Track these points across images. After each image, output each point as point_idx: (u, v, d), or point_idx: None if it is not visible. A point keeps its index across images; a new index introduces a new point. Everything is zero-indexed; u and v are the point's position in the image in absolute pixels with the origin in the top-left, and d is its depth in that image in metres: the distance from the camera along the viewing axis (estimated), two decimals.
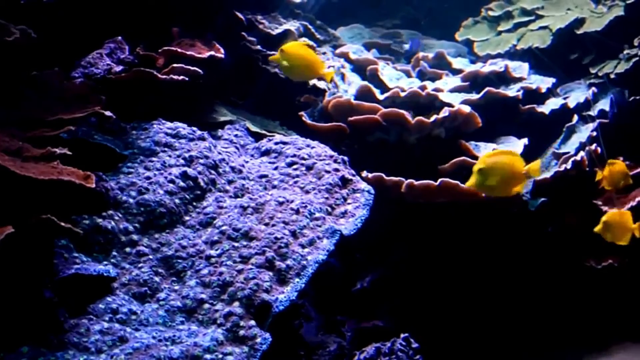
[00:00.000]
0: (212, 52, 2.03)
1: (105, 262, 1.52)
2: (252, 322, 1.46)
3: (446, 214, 2.10)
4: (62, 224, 1.34)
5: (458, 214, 2.10)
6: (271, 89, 2.30)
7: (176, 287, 1.54)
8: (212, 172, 1.78)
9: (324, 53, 2.50)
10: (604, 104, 2.40)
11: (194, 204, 1.70)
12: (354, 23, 3.06)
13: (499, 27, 2.87)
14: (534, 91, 2.41)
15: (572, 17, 2.66)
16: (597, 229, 1.89)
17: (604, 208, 2.06)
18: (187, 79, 1.93)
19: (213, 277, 1.53)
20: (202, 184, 1.73)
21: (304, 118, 2.18)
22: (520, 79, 2.47)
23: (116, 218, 1.59)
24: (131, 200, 1.63)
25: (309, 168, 1.84)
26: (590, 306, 2.13)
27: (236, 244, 1.59)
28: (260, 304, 1.48)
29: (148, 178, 1.68)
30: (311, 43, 2.29)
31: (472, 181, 1.82)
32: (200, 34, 2.12)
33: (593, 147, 2.14)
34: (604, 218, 1.89)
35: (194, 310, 1.49)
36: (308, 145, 1.92)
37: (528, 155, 2.19)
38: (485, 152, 2.15)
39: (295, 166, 1.85)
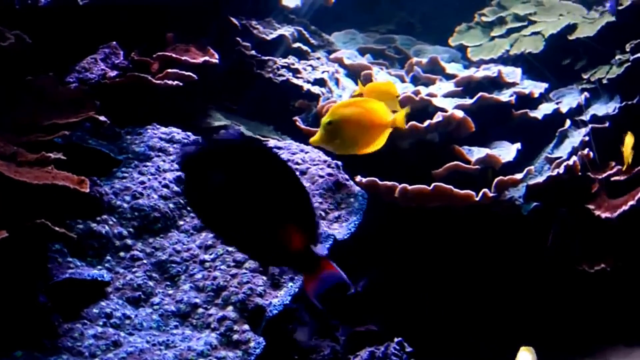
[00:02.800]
0: (207, 58, 2.04)
1: (99, 267, 1.52)
2: (246, 326, 1.46)
3: (440, 219, 2.11)
4: (56, 228, 1.35)
5: (451, 219, 2.11)
6: (265, 94, 2.31)
7: (170, 292, 1.54)
8: None
9: (318, 58, 2.51)
10: (597, 109, 2.42)
11: (188, 208, 1.71)
12: (348, 28, 3.06)
13: (492, 33, 2.88)
14: (527, 96, 2.42)
15: (564, 22, 2.67)
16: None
17: (597, 212, 2.07)
18: (181, 84, 1.93)
19: (207, 281, 1.54)
20: None
21: (298, 123, 2.19)
22: (513, 84, 2.48)
23: (110, 223, 1.59)
24: (125, 205, 1.63)
25: (303, 173, 1.84)
26: (583, 310, 2.14)
27: (230, 249, 1.60)
28: (254, 308, 1.49)
29: (142, 183, 1.69)
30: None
31: (317, 137, 1.70)
32: (195, 39, 2.12)
33: (585, 151, 2.16)
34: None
35: (187, 314, 1.50)
36: (302, 150, 1.93)
37: (521, 159, 2.21)
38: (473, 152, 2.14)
39: None
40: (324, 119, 1.70)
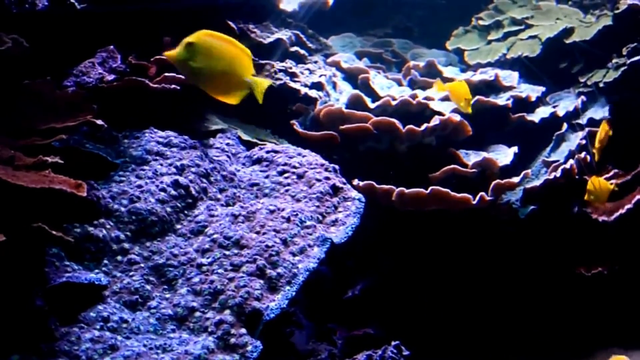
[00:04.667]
0: None
1: (96, 271, 1.52)
2: (243, 330, 1.46)
3: (437, 222, 2.11)
4: (54, 232, 1.35)
5: (448, 222, 2.12)
6: (263, 97, 2.30)
7: (167, 295, 1.54)
8: (204, 180, 1.78)
9: (316, 62, 2.52)
10: (593, 112, 2.42)
11: (186, 212, 1.71)
12: (346, 32, 3.07)
13: (489, 37, 2.90)
14: (524, 100, 2.43)
15: (561, 26, 2.68)
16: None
17: (594, 216, 2.08)
18: (178, 88, 1.93)
19: (204, 285, 1.54)
20: (193, 192, 1.74)
21: (295, 127, 2.19)
22: (510, 88, 2.49)
23: (107, 226, 1.59)
24: (123, 209, 1.63)
25: (300, 176, 1.84)
26: (580, 313, 2.14)
27: (227, 252, 1.60)
28: (251, 312, 1.49)
29: (140, 186, 1.69)
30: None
31: (173, 52, 1.56)
32: None
33: (582, 155, 2.17)
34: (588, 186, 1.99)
35: (185, 318, 1.50)
36: (299, 154, 1.93)
37: (518, 163, 2.22)
38: (474, 159, 2.16)
39: (286, 174, 1.86)
40: (186, 39, 1.58)
